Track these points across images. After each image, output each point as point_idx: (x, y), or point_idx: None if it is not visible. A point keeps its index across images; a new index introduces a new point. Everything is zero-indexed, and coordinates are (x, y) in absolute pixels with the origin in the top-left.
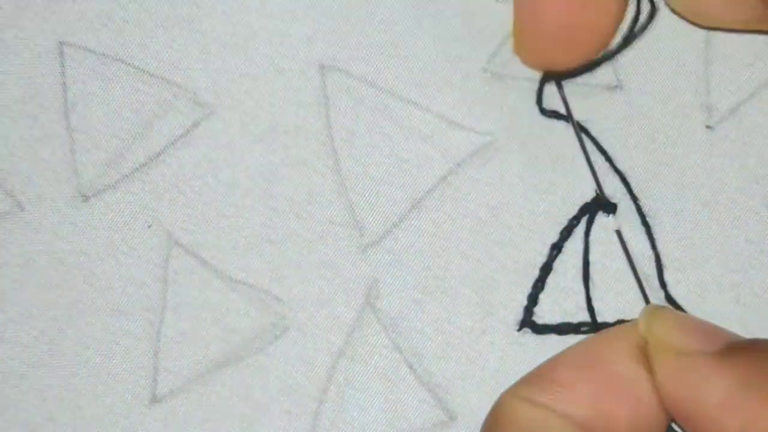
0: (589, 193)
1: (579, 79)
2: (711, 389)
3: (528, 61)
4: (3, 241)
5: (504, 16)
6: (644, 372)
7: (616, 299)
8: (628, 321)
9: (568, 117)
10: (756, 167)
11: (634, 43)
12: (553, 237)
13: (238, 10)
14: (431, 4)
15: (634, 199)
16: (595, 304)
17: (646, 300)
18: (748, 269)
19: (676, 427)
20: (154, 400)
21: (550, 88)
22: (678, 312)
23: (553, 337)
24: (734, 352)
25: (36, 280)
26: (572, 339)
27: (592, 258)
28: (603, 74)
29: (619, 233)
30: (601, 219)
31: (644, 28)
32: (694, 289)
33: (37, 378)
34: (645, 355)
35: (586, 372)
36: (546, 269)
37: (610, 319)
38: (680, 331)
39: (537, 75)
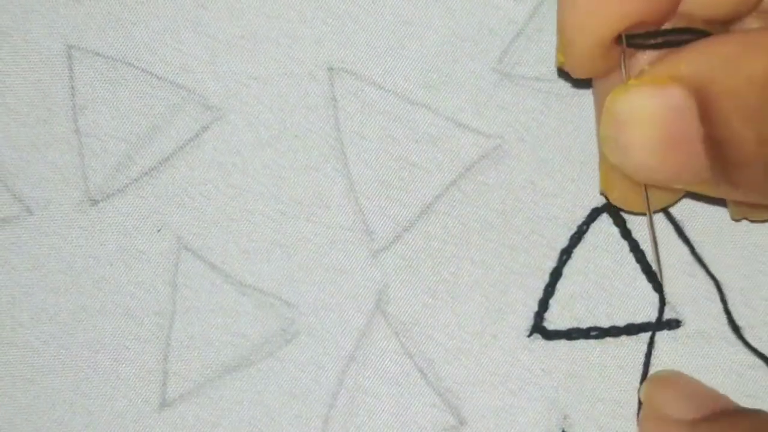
0: (598, 198)
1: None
2: None
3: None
4: (12, 245)
5: (514, 15)
6: None
7: (626, 303)
8: (637, 324)
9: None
10: None
11: None
12: (563, 242)
13: (246, 13)
14: (440, 3)
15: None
16: (605, 308)
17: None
18: (756, 274)
19: None
20: (164, 404)
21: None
22: (677, 381)
23: (563, 343)
24: (714, 419)
25: (45, 285)
26: (582, 344)
27: (602, 264)
28: None
29: (629, 240)
30: (610, 227)
31: None
32: (703, 294)
33: (47, 382)
34: None
35: None
36: (556, 274)
37: (621, 323)
38: (671, 399)
39: (547, 73)
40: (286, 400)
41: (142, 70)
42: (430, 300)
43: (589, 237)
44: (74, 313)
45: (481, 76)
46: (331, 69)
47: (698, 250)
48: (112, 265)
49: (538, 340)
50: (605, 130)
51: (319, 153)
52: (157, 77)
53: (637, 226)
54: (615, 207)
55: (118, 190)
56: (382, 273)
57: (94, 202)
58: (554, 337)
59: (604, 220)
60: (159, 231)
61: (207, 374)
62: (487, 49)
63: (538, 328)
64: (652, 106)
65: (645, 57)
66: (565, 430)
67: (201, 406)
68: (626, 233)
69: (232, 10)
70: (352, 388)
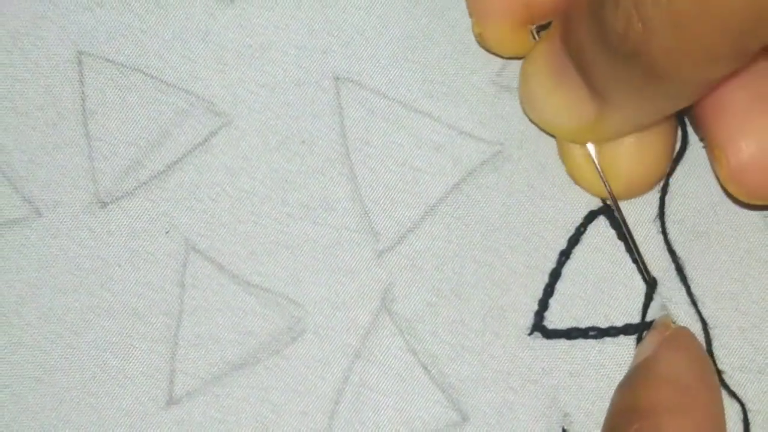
0: (594, 201)
1: None
2: None
3: None
4: (20, 247)
5: None
6: None
7: (623, 304)
8: (634, 324)
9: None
10: None
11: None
12: (562, 243)
13: (255, 23)
14: (443, 19)
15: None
16: (603, 309)
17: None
18: (746, 278)
19: None
20: (171, 401)
21: None
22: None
23: (562, 342)
24: None
25: (53, 285)
26: (581, 343)
27: (599, 265)
28: None
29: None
30: (607, 229)
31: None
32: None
33: (55, 381)
34: None
35: None
36: (555, 275)
37: (619, 323)
38: None
39: None
40: (292, 397)
41: (152, 76)
42: (434, 298)
43: (586, 239)
44: (82, 313)
45: (482, 88)
46: (337, 78)
47: (688, 254)
48: (120, 266)
49: (539, 339)
50: (520, 92)
51: (326, 158)
52: (167, 84)
53: (634, 228)
54: (610, 209)
55: (127, 192)
56: (387, 272)
57: (103, 205)
58: (554, 336)
59: (601, 222)
60: (167, 233)
61: (214, 372)
62: (487, 62)
63: (538, 327)
64: (541, 53)
65: None
66: (565, 428)
67: (208, 404)
68: (622, 235)
69: (241, 21)
70: (357, 384)
